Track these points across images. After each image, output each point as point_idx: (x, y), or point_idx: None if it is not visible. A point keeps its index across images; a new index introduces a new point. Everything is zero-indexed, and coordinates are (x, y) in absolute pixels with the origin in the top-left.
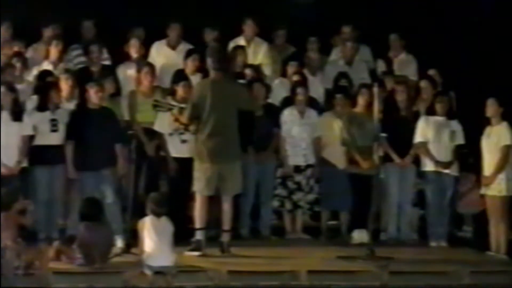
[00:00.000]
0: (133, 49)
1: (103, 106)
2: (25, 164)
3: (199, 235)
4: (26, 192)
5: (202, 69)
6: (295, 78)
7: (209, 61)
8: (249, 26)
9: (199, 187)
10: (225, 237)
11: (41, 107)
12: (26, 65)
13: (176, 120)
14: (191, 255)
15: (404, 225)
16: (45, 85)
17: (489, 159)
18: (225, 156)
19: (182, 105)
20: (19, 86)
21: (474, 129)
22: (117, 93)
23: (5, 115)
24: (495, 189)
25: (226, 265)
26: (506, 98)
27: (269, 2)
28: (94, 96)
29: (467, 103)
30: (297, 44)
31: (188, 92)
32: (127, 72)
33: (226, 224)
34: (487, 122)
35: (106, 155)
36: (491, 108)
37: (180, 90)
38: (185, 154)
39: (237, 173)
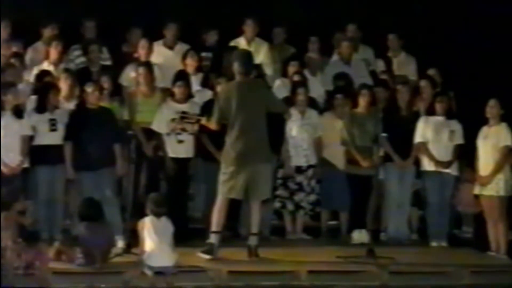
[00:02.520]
0: (142, 50)
1: (101, 106)
2: (27, 164)
3: (213, 239)
4: (27, 192)
5: (203, 69)
6: (296, 78)
7: (235, 65)
8: (249, 27)
9: (223, 189)
10: (253, 241)
11: (40, 109)
12: (24, 65)
13: (205, 128)
14: (202, 257)
15: (403, 225)
16: (43, 87)
17: (486, 160)
18: (254, 158)
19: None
20: (19, 86)
21: (476, 128)
22: (116, 93)
23: (7, 115)
24: (493, 189)
25: (226, 265)
26: (506, 99)
27: (269, 2)
28: (91, 96)
29: (468, 103)
30: (297, 44)
31: (184, 92)
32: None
33: (254, 227)
34: (485, 122)
35: (105, 155)
36: (494, 109)
37: (176, 90)
38: (182, 155)
39: (266, 177)
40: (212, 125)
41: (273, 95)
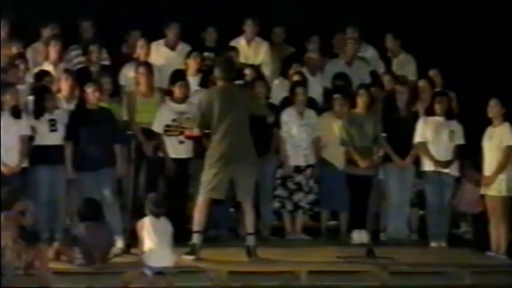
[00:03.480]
0: (142, 50)
1: (101, 106)
2: (26, 164)
3: (195, 239)
4: (27, 192)
5: (203, 69)
6: (295, 78)
7: (217, 71)
8: (249, 26)
9: (205, 189)
10: (251, 241)
11: (36, 113)
12: (28, 66)
13: (190, 137)
14: (186, 259)
15: (403, 225)
16: (38, 91)
17: (490, 160)
18: (237, 160)
19: (190, 123)
20: (19, 87)
21: (478, 129)
22: (116, 93)
23: (6, 115)
24: (496, 189)
25: (226, 265)
26: (507, 99)
27: (269, 2)
28: (91, 96)
29: (471, 103)
30: (297, 45)
31: (184, 92)
32: (131, 72)
33: (250, 227)
34: (489, 122)
35: (105, 155)
36: (494, 108)
37: (176, 90)
38: (182, 155)
39: (249, 178)
40: (195, 132)
41: (256, 98)
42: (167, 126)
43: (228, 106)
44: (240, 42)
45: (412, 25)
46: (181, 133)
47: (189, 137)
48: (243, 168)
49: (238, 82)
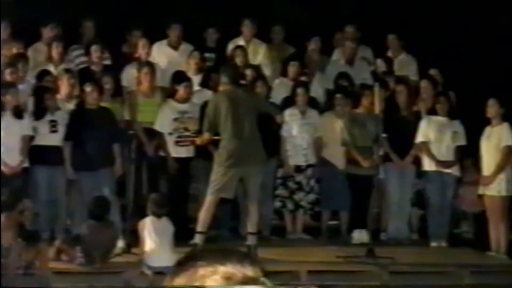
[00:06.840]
0: (143, 50)
1: (101, 106)
2: (26, 164)
3: (197, 239)
4: (27, 192)
5: (203, 69)
6: (300, 78)
7: (222, 79)
8: (247, 27)
9: (212, 188)
10: (252, 240)
11: (37, 114)
12: (28, 66)
13: (201, 144)
14: None
15: (404, 225)
16: (38, 91)
17: (489, 160)
18: (247, 159)
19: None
20: (20, 86)
21: (476, 129)
22: (117, 93)
23: (7, 115)
24: (495, 189)
25: None
26: (506, 99)
27: (268, 2)
28: (89, 95)
29: (467, 103)
30: (297, 44)
31: (189, 93)
32: (134, 73)
33: (252, 226)
34: (487, 122)
35: (104, 155)
36: (492, 108)
37: (181, 90)
38: (183, 154)
39: (258, 177)
40: (205, 138)
41: (262, 98)
42: (179, 137)
43: (235, 107)
44: (239, 43)
45: (412, 25)
46: (192, 142)
47: (200, 145)
48: (253, 167)
49: (239, 82)
